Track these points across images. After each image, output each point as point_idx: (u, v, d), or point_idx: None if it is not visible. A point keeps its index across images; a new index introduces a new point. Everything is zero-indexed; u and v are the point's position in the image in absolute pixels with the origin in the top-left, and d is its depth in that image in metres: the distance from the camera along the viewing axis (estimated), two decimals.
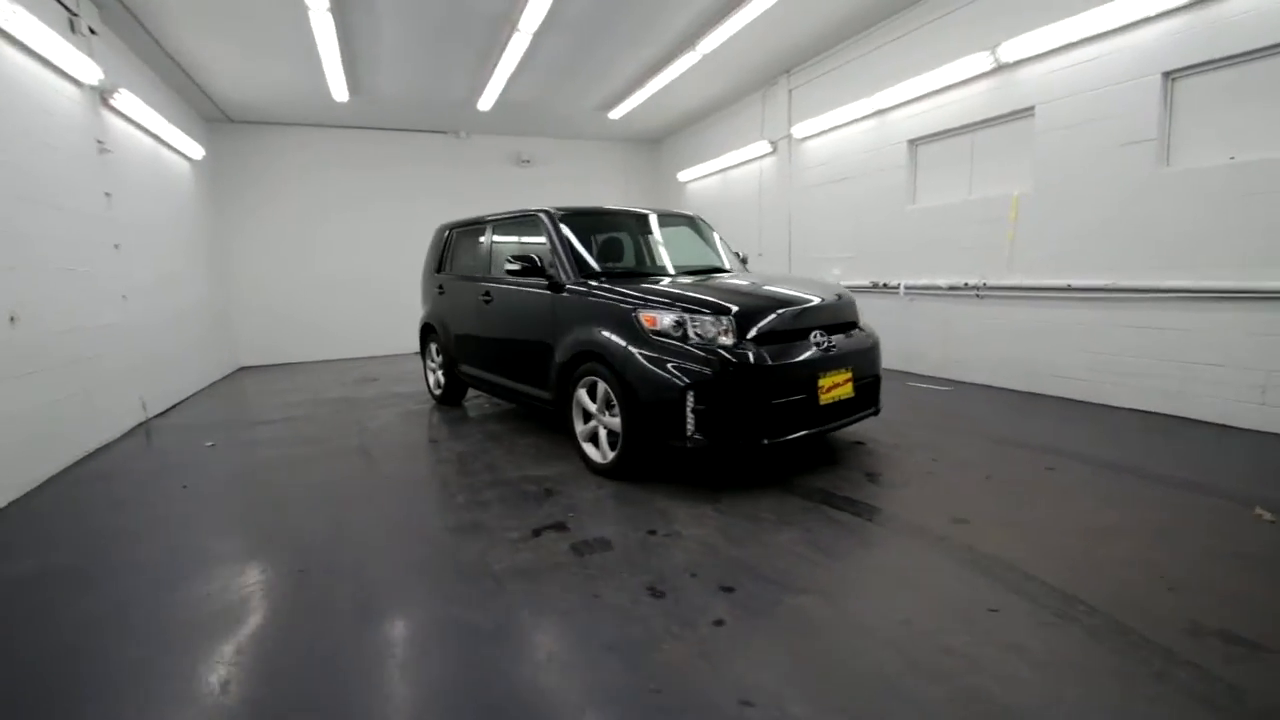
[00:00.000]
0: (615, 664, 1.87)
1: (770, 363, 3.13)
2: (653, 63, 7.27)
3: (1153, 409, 4.51)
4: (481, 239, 5.01)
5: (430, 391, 6.05)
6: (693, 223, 4.90)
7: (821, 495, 3.19)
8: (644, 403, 3.20)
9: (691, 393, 3.05)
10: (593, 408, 3.60)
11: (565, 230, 4.15)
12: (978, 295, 5.71)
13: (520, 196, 10.18)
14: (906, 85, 6.07)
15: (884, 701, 1.67)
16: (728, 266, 4.57)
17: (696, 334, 3.16)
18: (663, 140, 11.30)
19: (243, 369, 8.97)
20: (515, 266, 4.01)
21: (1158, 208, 4.37)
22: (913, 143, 6.29)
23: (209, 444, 4.66)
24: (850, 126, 6.97)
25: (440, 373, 5.75)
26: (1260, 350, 3.93)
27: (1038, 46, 4.93)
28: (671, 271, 4.30)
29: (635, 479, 3.46)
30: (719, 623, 2.07)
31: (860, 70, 6.69)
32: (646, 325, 3.25)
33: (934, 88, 5.86)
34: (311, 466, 4.03)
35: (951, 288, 5.92)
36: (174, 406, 6.17)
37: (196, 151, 7.44)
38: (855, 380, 3.50)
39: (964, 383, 5.86)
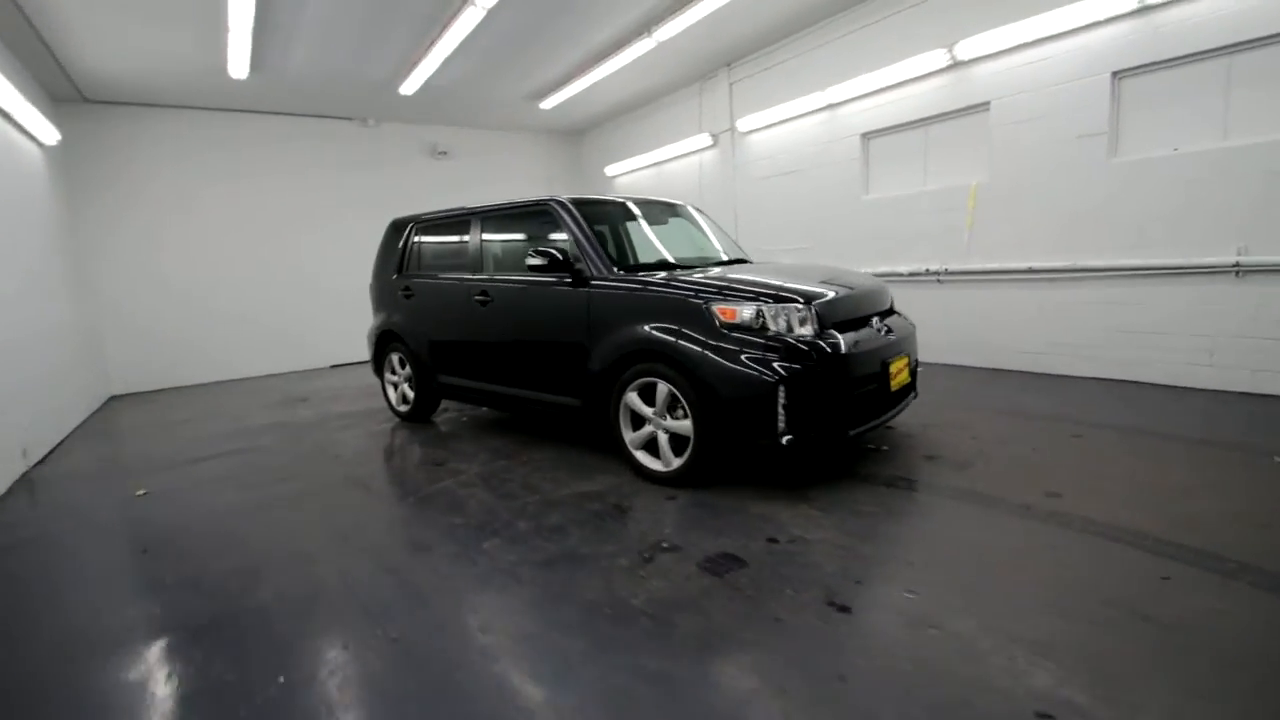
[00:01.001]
0: (870, 697, 1.66)
1: (855, 351, 3.05)
2: (601, 49, 6.98)
3: (1109, 376, 5.01)
4: (468, 234, 4.48)
5: (393, 408, 5.37)
6: (686, 212, 4.71)
7: (902, 482, 3.17)
8: (727, 402, 2.98)
9: (783, 387, 2.88)
10: (648, 411, 3.32)
11: (590, 217, 3.81)
12: (939, 280, 6.06)
13: (438, 190, 9.44)
14: (860, 80, 6.29)
15: (1173, 688, 1.62)
16: (741, 256, 4.45)
17: (776, 325, 3.00)
18: (584, 133, 10.98)
19: (115, 398, 7.50)
20: (539, 261, 3.61)
21: (1110, 194, 4.85)
22: (866, 136, 6.55)
23: (139, 492, 3.77)
24: (801, 120, 7.13)
25: (407, 386, 5.11)
26: (1206, 319, 4.48)
27: (994, 45, 5.29)
28: (695, 262, 4.08)
29: (703, 485, 3.24)
30: (935, 627, 1.93)
31: (810, 65, 6.86)
32: (723, 318, 3.03)
33: (889, 83, 6.12)
34: (303, 510, 3.37)
35: (912, 274, 6.23)
36: (51, 452, 4.98)
37: (49, 135, 6.05)
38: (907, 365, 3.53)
39: (930, 363, 6.20)
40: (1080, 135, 4.94)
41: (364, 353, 9.70)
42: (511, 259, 4.35)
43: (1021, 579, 2.21)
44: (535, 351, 3.95)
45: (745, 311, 3.01)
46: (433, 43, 6.28)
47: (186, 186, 8.02)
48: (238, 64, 6.32)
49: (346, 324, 9.15)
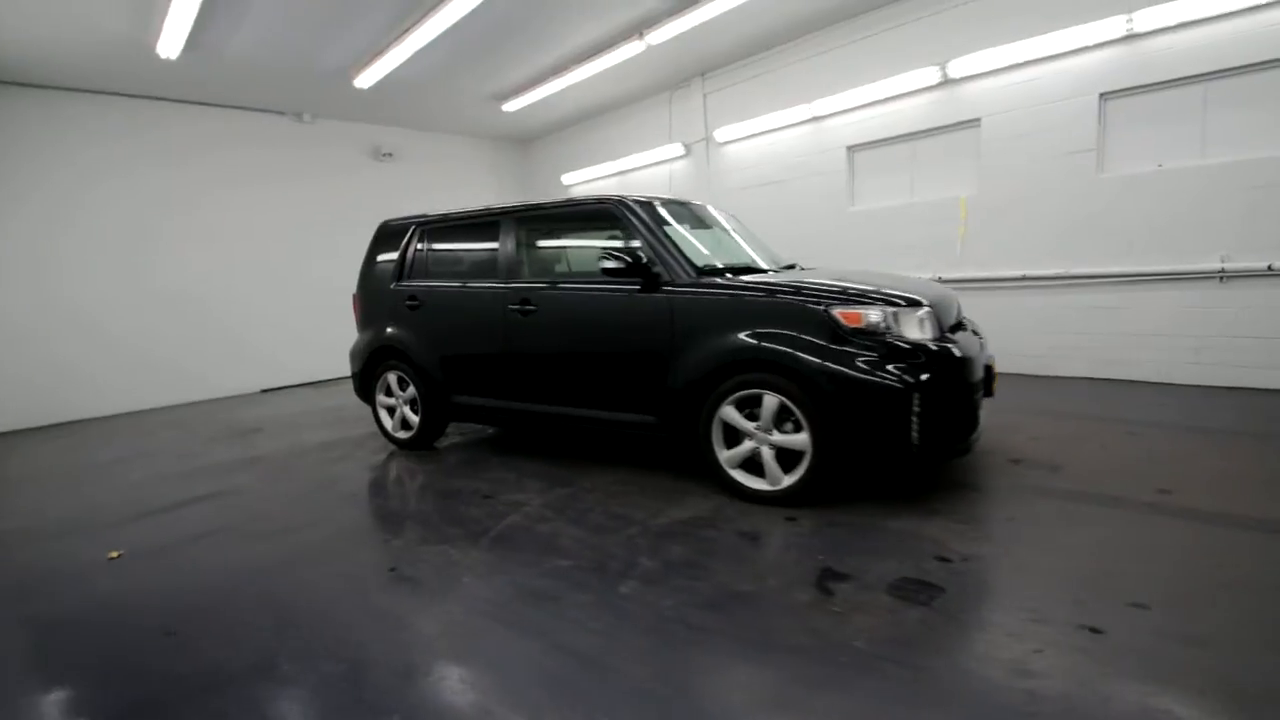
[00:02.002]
0: None
1: (973, 357, 2.96)
2: (580, 51, 6.67)
3: (1100, 375, 5.36)
4: (498, 238, 4.00)
5: (388, 434, 4.70)
6: (712, 215, 4.48)
7: (1014, 488, 3.11)
8: (853, 412, 2.78)
9: (918, 395, 2.73)
10: (750, 426, 3.06)
11: (665, 219, 3.51)
12: None
13: (381, 196, 8.72)
14: (848, 94, 6.43)
15: None
16: (788, 262, 4.30)
17: (902, 329, 2.86)
18: (535, 141, 10.54)
19: None
20: (615, 265, 3.26)
21: (1099, 207, 5.20)
22: (851, 148, 6.69)
23: (113, 555, 2.98)
24: (784, 131, 7.18)
25: (408, 409, 4.50)
26: (1193, 321, 4.88)
27: (986, 65, 5.57)
28: (763, 265, 3.85)
29: (816, 504, 3.01)
30: (1201, 643, 1.82)
31: (794, 78, 6.93)
32: (847, 323, 2.84)
33: (878, 97, 6.29)
34: (348, 561, 2.78)
35: None
36: None
37: None
38: None
39: None
40: (1070, 152, 5.28)
41: (302, 374, 8.76)
42: (559, 265, 3.95)
43: (1236, 579, 2.17)
44: (597, 365, 3.56)
45: (872, 315, 2.84)
46: (409, 30, 5.71)
47: (78, 182, 6.76)
48: (171, 39, 5.40)
49: (279, 344, 8.15)
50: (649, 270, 3.30)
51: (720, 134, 7.71)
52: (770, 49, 7.06)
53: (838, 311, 2.87)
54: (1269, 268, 4.51)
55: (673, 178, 8.55)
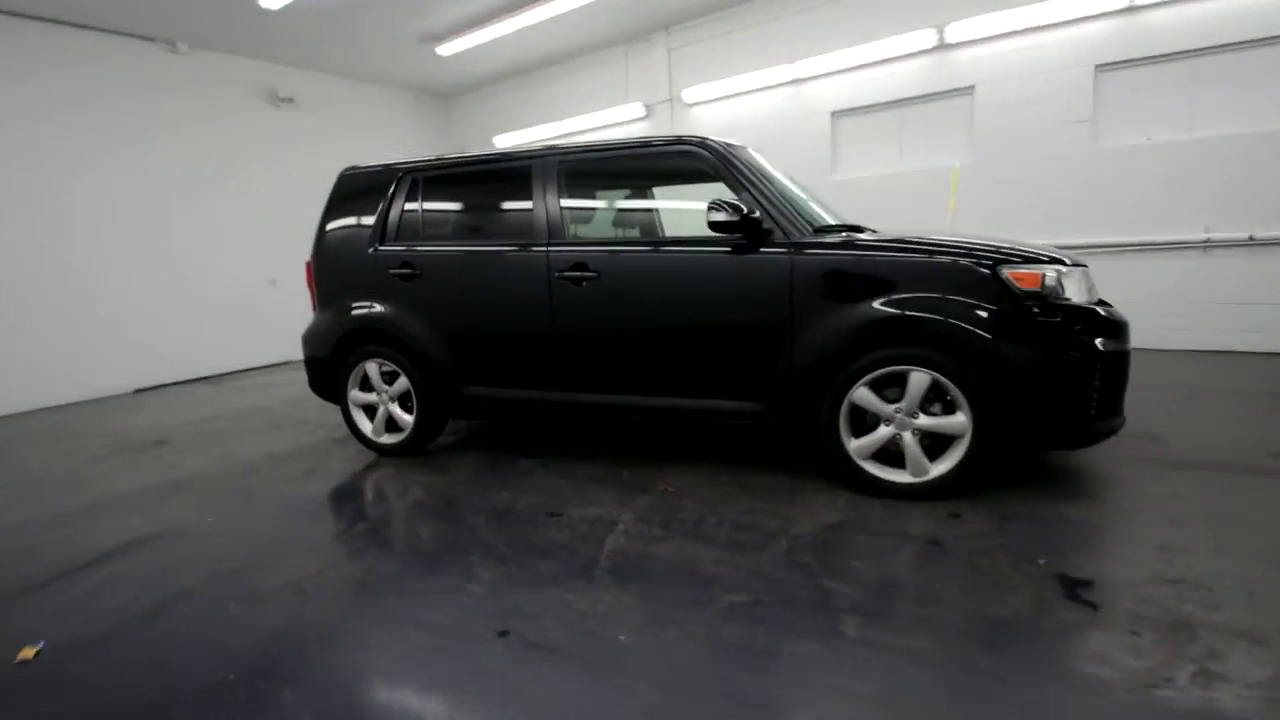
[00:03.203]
0: None
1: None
2: None
3: None
4: (538, 188, 3.18)
5: (366, 440, 3.72)
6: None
7: (1152, 463, 2.92)
8: (1031, 387, 2.42)
9: (1100, 365, 2.42)
10: (888, 409, 2.61)
11: (761, 164, 2.92)
12: None
13: (279, 148, 7.32)
14: (836, 55, 6.12)
15: None
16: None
17: (1073, 292, 2.52)
18: (462, 96, 9.35)
19: None
20: (725, 216, 2.63)
21: (1092, 178, 5.30)
22: (836, 114, 6.42)
23: (25, 653, 1.93)
24: (760, 94, 6.76)
25: (397, 406, 3.58)
26: (1179, 288, 5.12)
27: (983, 31, 5.46)
28: (851, 223, 3.35)
29: (965, 496, 2.63)
30: None
31: (773, 36, 6.51)
32: (1021, 286, 2.45)
33: (867, 60, 6.04)
34: (416, 622, 1.99)
35: None
36: None
37: None
38: None
39: None
40: (1066, 122, 5.33)
41: (188, 368, 7.05)
42: (619, 221, 3.22)
43: None
44: (686, 345, 2.91)
45: (1050, 277, 2.47)
46: None
47: None
48: None
49: (156, 333, 6.56)
50: (759, 226, 2.71)
51: (689, 94, 7.15)
52: (746, 2, 6.59)
53: (1009, 273, 2.47)
54: (1250, 238, 4.79)
55: None
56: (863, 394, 2.63)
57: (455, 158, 3.48)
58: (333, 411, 4.38)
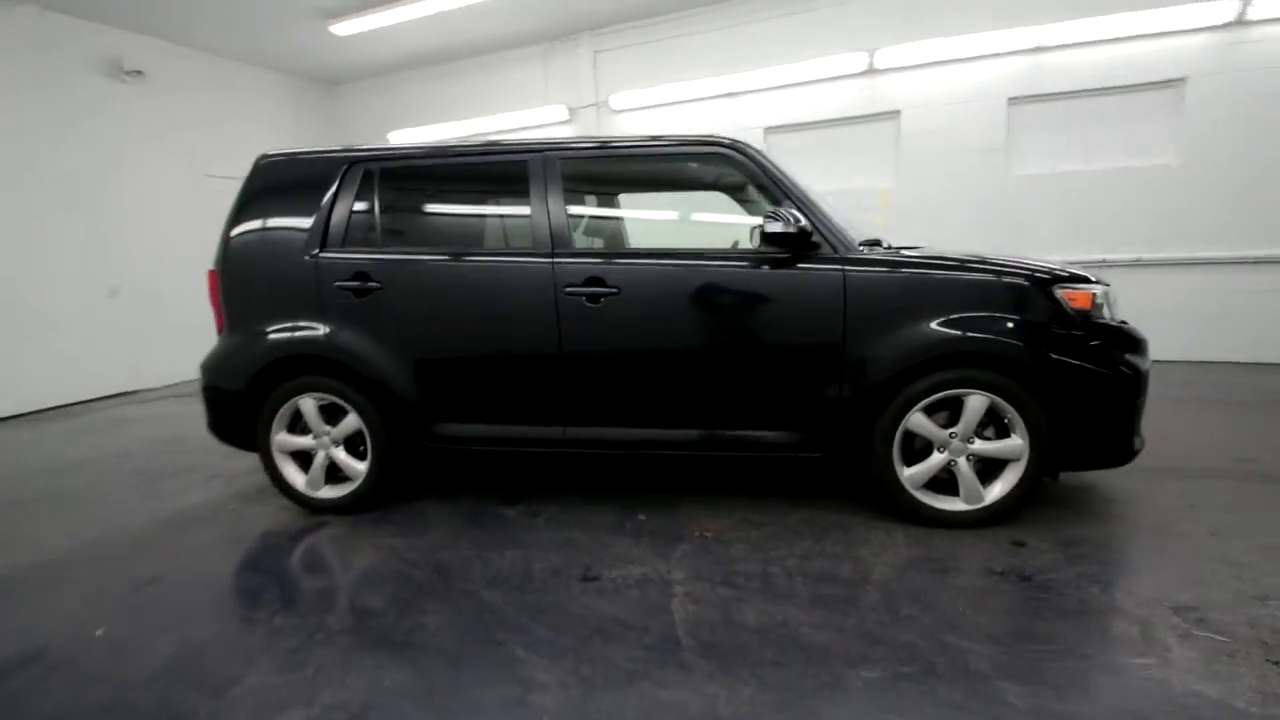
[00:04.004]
0: None
1: None
2: None
3: None
4: (536, 188, 2.67)
5: (300, 495, 2.94)
6: None
7: (1172, 471, 3.02)
8: (1087, 407, 2.39)
9: (1140, 384, 2.44)
10: (943, 435, 2.47)
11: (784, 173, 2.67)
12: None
13: (123, 128, 6.04)
14: (768, 72, 6.15)
15: None
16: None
17: (1110, 311, 2.54)
18: (351, 85, 8.34)
19: None
20: (780, 228, 2.35)
21: (1007, 202, 5.73)
22: (769, 130, 6.45)
23: None
24: (693, 105, 6.63)
25: (342, 452, 2.87)
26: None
27: (908, 59, 5.73)
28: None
29: (1011, 523, 2.54)
30: None
31: (704, 48, 6.43)
32: (1073, 305, 2.41)
33: (800, 79, 6.12)
34: None
35: None
36: None
37: None
38: None
39: None
40: (983, 149, 5.72)
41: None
42: (623, 232, 2.81)
43: None
44: (728, 369, 2.60)
45: (1098, 294, 2.46)
46: None
47: None
48: None
49: None
50: (810, 238, 2.47)
51: (617, 100, 6.86)
52: (679, 11, 6.44)
53: (1063, 292, 2.43)
54: (1138, 259, 5.41)
55: None
56: (919, 419, 2.47)
57: (423, 148, 2.92)
58: (230, 456, 3.50)
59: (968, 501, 2.51)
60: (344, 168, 2.86)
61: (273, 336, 2.85)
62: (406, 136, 7.93)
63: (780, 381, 2.56)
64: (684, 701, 1.63)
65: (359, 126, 8.32)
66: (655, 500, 2.93)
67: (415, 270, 2.77)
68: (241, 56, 7.05)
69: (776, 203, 2.57)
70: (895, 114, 5.98)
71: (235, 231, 2.94)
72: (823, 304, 2.49)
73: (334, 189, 2.85)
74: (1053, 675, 1.67)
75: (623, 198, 3.23)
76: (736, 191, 2.96)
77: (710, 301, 2.59)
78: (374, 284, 2.76)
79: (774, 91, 6.31)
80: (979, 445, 2.47)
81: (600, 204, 3.10)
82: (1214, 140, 5.09)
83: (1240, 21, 4.89)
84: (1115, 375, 2.40)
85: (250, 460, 3.10)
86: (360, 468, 2.88)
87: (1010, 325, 2.41)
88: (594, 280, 2.60)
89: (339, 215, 2.84)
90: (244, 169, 2.98)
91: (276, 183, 2.95)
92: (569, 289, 2.61)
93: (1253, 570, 2.13)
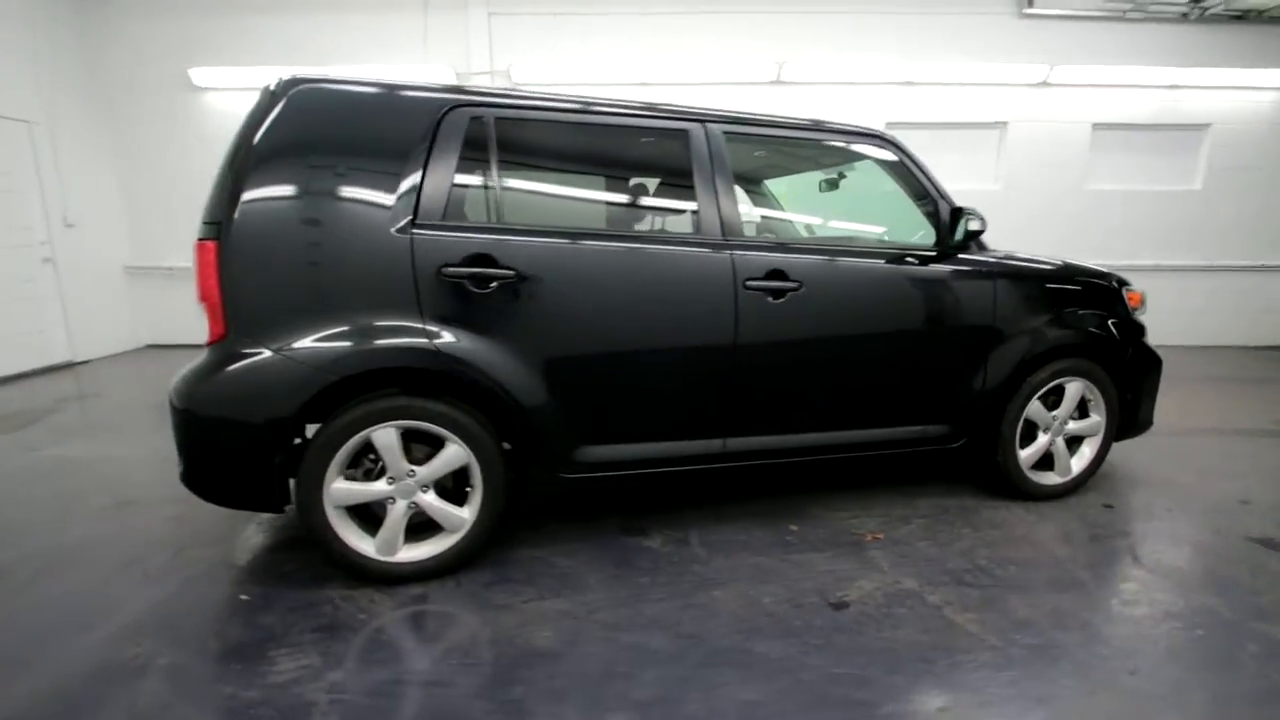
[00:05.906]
0: None
1: None
2: None
3: None
4: (700, 164, 2.29)
5: (361, 562, 2.08)
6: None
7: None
8: (1140, 388, 2.92)
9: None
10: (1049, 418, 2.81)
11: None
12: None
13: None
14: (687, 68, 6.17)
15: None
16: None
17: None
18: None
19: None
20: (979, 226, 2.47)
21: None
22: None
23: None
24: (609, 90, 6.29)
25: (432, 495, 2.14)
26: None
27: (807, 75, 6.25)
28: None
29: (1077, 490, 3.00)
30: None
31: (619, 31, 6.16)
32: (1132, 303, 2.91)
33: (714, 80, 6.25)
34: None
35: None
36: None
37: None
38: None
39: None
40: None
41: None
42: (783, 220, 2.56)
43: None
44: (900, 367, 2.60)
45: (1145, 295, 3.00)
46: None
47: None
48: None
49: None
50: (979, 235, 2.58)
51: (519, 72, 6.20)
52: None
53: (1128, 292, 2.92)
54: None
55: None
56: (1036, 406, 2.76)
57: (555, 98, 2.28)
58: (193, 505, 2.39)
59: (1060, 475, 2.89)
60: (443, 111, 2.11)
61: (341, 343, 1.99)
62: (216, 79, 6.11)
63: (948, 375, 2.65)
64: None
65: (136, 59, 6.14)
66: (759, 504, 2.79)
67: (566, 256, 2.17)
68: None
69: (920, 198, 2.64)
70: None
71: (250, 191, 1.97)
72: (980, 300, 2.63)
73: (428, 142, 2.09)
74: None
75: (769, 183, 2.98)
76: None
77: (894, 296, 2.55)
78: (504, 271, 2.10)
79: (694, 88, 6.32)
80: (1073, 425, 2.86)
81: (762, 187, 2.81)
82: (1023, 171, 6.59)
83: (1044, 84, 6.39)
84: (1157, 359, 2.97)
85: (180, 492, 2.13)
86: (464, 515, 2.18)
87: (1109, 321, 2.83)
88: (775, 274, 2.35)
89: (438, 179, 2.09)
90: None
91: (326, 124, 2.06)
92: (749, 282, 2.32)
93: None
